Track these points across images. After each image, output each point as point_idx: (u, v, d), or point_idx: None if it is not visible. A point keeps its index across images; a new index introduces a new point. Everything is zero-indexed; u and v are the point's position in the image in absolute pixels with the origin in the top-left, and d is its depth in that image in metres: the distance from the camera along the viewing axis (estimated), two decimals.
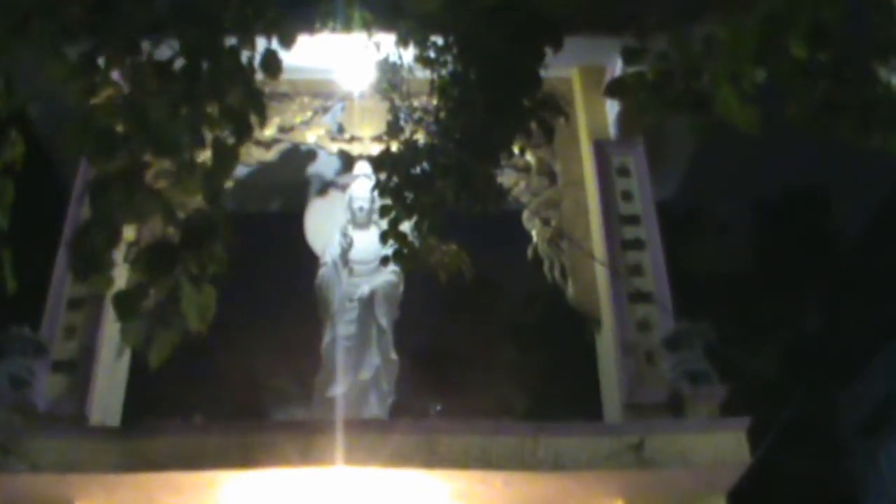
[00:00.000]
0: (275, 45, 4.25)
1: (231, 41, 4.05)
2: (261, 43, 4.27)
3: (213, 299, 3.81)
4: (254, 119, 4.37)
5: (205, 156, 4.06)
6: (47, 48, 3.72)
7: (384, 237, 6.06)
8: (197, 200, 4.08)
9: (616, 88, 4.23)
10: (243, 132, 4.07)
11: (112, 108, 3.66)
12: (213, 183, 3.97)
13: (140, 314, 3.74)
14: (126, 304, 3.70)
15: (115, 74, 3.92)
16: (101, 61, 3.86)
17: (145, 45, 3.91)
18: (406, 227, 6.09)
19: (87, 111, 3.70)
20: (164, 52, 3.95)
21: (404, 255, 6.05)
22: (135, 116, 3.61)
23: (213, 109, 3.94)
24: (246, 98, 4.04)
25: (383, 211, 6.00)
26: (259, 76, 4.36)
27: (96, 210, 3.65)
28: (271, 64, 4.21)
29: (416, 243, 6.12)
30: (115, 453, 7.40)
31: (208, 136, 4.01)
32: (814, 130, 3.57)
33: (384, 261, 6.41)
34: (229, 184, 9.56)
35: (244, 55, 4.08)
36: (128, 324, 3.74)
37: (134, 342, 3.77)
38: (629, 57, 3.90)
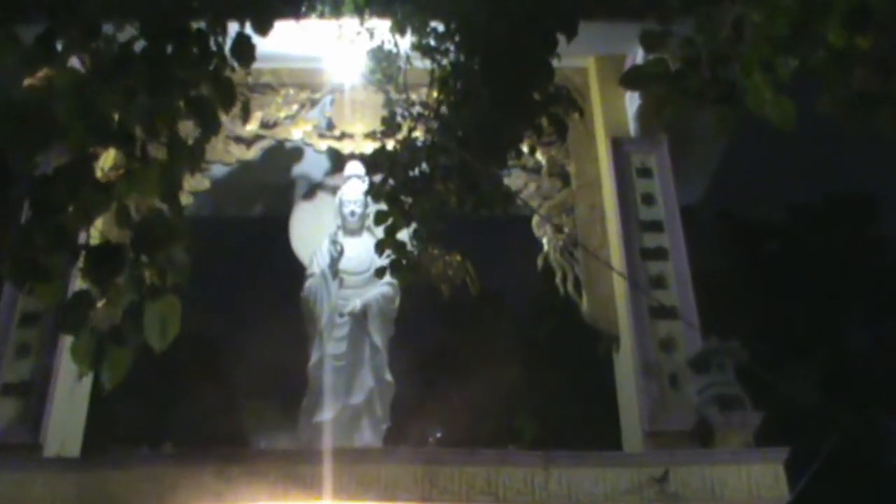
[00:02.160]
0: (248, 29, 4.21)
1: (200, 24, 4.02)
2: (235, 28, 4.24)
3: (177, 313, 3.75)
4: (233, 113, 4.34)
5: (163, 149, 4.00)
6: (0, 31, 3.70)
7: (380, 246, 6.04)
8: (155, 200, 4.00)
9: (634, 79, 4.22)
10: (209, 127, 4.03)
11: (49, 91, 3.59)
12: (170, 179, 3.89)
13: (92, 328, 3.68)
14: (72, 315, 3.65)
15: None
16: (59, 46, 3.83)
17: (107, 29, 3.89)
18: (404, 234, 6.08)
19: (21, 95, 3.65)
20: (128, 35, 3.93)
21: (402, 267, 6.04)
22: (76, 102, 3.55)
23: (178, 100, 3.89)
24: (214, 88, 4.00)
25: (379, 217, 5.99)
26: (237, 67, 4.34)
27: (37, 209, 3.59)
28: (243, 50, 4.15)
29: (416, 253, 6.12)
30: (75, 488, 7.37)
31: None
32: (848, 124, 3.56)
33: (380, 272, 6.39)
34: (205, 184, 9.71)
35: (215, 40, 4.04)
36: (77, 339, 3.70)
37: (83, 361, 3.72)
38: (649, 43, 3.88)
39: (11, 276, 3.61)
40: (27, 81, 3.73)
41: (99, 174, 3.80)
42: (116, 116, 3.69)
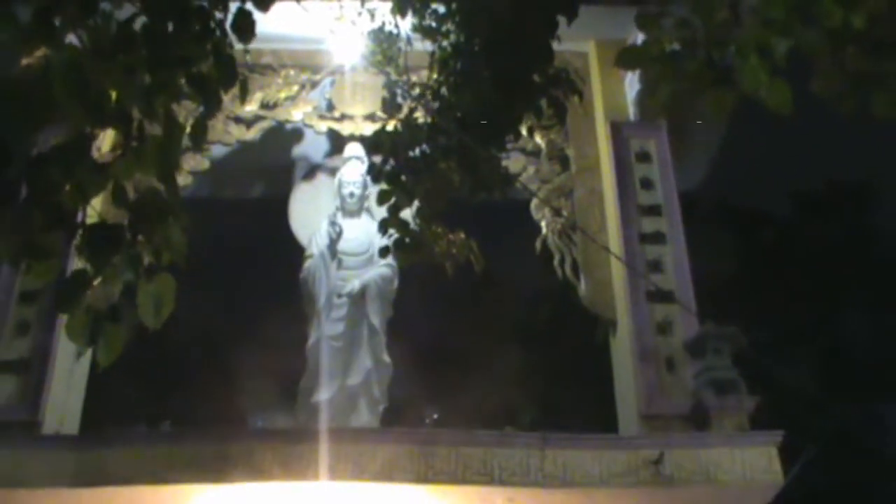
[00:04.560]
0: (249, 6, 4.22)
1: (201, 2, 4.03)
2: (235, 5, 4.25)
3: (172, 291, 3.77)
4: (233, 93, 4.35)
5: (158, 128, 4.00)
6: None
7: (384, 226, 6.05)
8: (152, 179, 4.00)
9: (629, 58, 4.23)
10: (212, 104, 4.04)
11: (45, 70, 3.60)
12: (167, 159, 3.90)
13: (87, 306, 3.71)
14: (67, 293, 3.67)
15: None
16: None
17: (105, 6, 3.89)
18: (407, 213, 6.10)
19: (17, 74, 3.65)
20: (127, 12, 3.94)
21: (406, 245, 6.05)
22: (72, 81, 3.55)
23: (179, 78, 3.89)
24: (215, 66, 4.00)
25: (382, 197, 5.99)
26: (237, 45, 4.35)
27: (34, 188, 3.59)
28: (243, 26, 4.15)
29: (419, 232, 6.12)
30: (73, 465, 7.42)
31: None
32: (842, 105, 3.58)
33: (384, 252, 6.39)
34: (205, 164, 9.73)
35: (215, 17, 4.05)
36: (72, 317, 3.73)
37: (79, 338, 3.75)
38: (644, 23, 3.88)
39: (8, 255, 3.62)
40: (25, 61, 3.73)
41: (96, 154, 3.82)
42: (114, 95, 3.69)
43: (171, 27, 3.86)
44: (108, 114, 3.67)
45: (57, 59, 3.58)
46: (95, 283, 3.74)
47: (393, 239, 6.06)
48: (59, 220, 3.58)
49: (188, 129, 4.10)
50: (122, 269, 3.69)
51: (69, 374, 8.61)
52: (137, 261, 3.73)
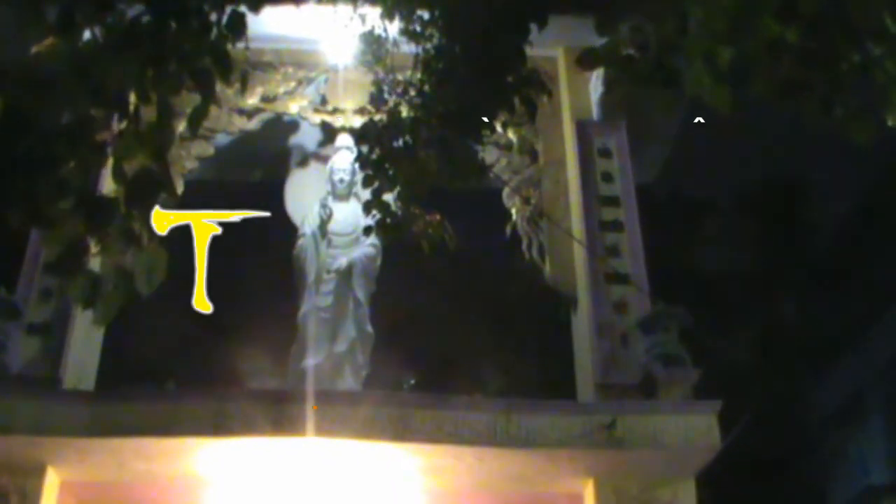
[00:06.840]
0: (243, 8, 4.21)
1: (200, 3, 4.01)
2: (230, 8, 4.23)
3: (163, 262, 3.77)
4: (236, 85, 4.32)
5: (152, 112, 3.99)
6: (25, 8, 3.67)
7: (367, 207, 6.06)
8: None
9: (588, 59, 4.22)
10: (208, 95, 4.03)
11: (53, 58, 3.59)
12: (160, 140, 3.89)
13: (85, 271, 3.71)
14: (66, 260, 3.67)
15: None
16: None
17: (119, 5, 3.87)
18: (389, 197, 6.09)
19: (30, 61, 3.64)
20: (135, 10, 3.91)
21: (387, 226, 6.05)
22: (75, 68, 3.54)
23: (182, 71, 3.88)
24: (213, 61, 3.99)
25: (366, 181, 5.99)
26: (240, 45, 4.32)
27: (41, 163, 3.58)
28: (236, 25, 4.15)
29: (399, 213, 6.12)
30: (88, 417, 7.41)
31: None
32: (778, 106, 3.61)
33: (367, 230, 6.41)
34: (210, 151, 9.68)
35: (212, 17, 4.03)
36: (72, 281, 3.72)
37: (78, 298, 3.75)
38: (602, 27, 3.89)
39: (17, 222, 3.61)
40: (35, 48, 3.72)
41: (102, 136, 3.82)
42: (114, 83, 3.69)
43: (172, 25, 3.84)
44: (107, 98, 3.66)
45: (64, 49, 3.56)
46: (94, 251, 3.74)
47: (376, 219, 6.06)
48: (62, 193, 3.57)
49: (186, 118, 4.10)
50: (117, 239, 3.69)
51: (87, 337, 8.61)
52: (132, 233, 3.72)
